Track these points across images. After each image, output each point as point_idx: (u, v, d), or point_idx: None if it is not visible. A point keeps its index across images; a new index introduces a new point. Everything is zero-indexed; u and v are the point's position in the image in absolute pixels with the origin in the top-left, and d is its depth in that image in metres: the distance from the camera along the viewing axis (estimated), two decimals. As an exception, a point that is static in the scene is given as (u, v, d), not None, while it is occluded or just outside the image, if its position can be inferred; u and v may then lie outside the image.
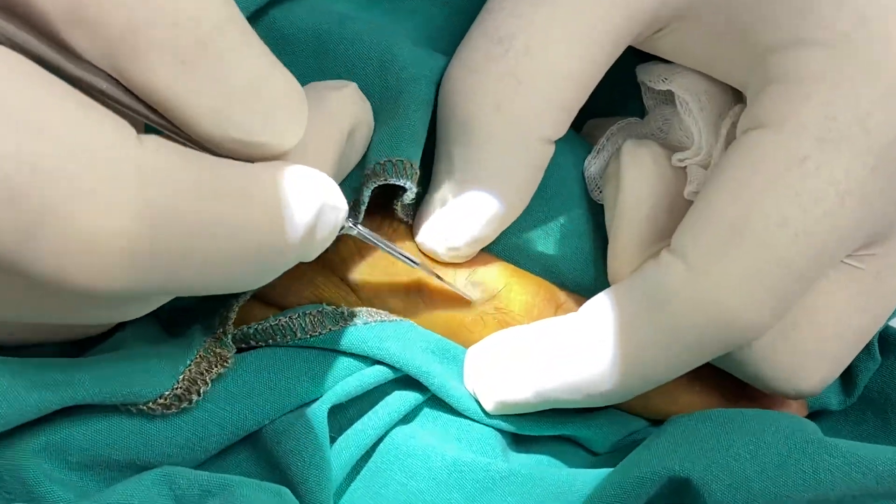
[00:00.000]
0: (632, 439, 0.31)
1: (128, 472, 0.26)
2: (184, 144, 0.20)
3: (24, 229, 0.17)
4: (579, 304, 0.31)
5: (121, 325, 0.28)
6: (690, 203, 0.29)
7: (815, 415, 0.32)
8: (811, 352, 0.28)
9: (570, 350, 0.27)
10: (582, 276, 0.31)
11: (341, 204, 0.23)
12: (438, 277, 0.29)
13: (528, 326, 0.30)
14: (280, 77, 0.21)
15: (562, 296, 0.31)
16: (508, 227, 0.30)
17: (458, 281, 0.31)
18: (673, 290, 0.26)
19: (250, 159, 0.21)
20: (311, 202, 0.21)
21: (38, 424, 0.26)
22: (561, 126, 0.28)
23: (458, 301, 0.30)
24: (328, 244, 0.23)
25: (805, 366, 0.28)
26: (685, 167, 0.30)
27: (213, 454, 0.27)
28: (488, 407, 0.29)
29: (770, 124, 0.25)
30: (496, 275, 0.31)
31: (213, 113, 0.19)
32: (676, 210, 0.29)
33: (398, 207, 0.29)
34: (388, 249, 0.28)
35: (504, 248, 0.31)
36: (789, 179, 0.24)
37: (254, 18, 0.29)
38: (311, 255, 0.23)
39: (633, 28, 0.27)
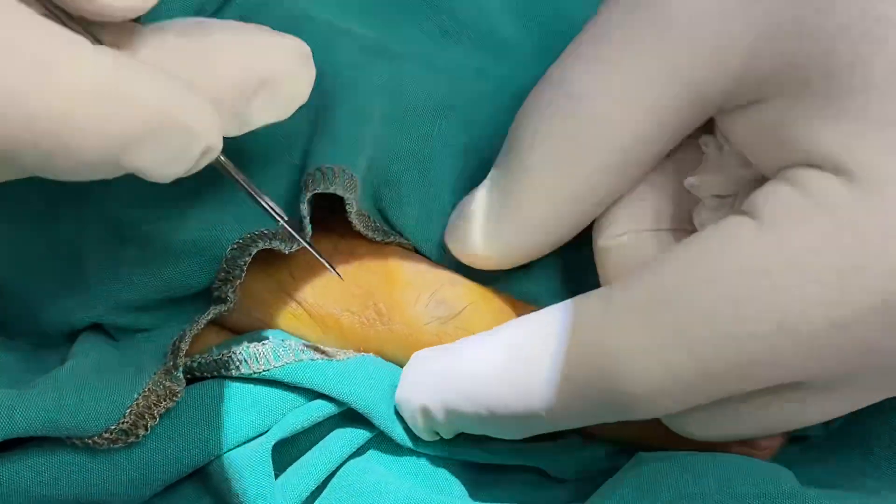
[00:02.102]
0: (597, 467, 0.29)
1: None
2: None
3: None
4: None
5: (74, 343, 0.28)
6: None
7: (796, 441, 0.30)
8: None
9: (477, 364, 0.26)
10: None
11: (201, 127, 0.20)
12: (309, 246, 0.27)
13: (454, 347, 0.28)
14: None
15: (521, 309, 0.30)
16: None
17: (421, 297, 0.29)
18: (582, 326, 0.24)
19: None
20: (140, 112, 0.19)
21: None
22: (621, 189, 0.27)
23: (417, 320, 0.29)
24: (179, 173, 0.21)
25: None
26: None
27: (159, 490, 0.27)
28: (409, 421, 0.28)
29: (759, 218, 0.23)
30: (461, 294, 0.29)
31: None
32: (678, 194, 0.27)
33: (354, 220, 0.28)
34: (252, 192, 0.26)
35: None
36: (740, 283, 0.22)
37: None
38: (151, 176, 0.21)
39: (702, 107, 0.25)
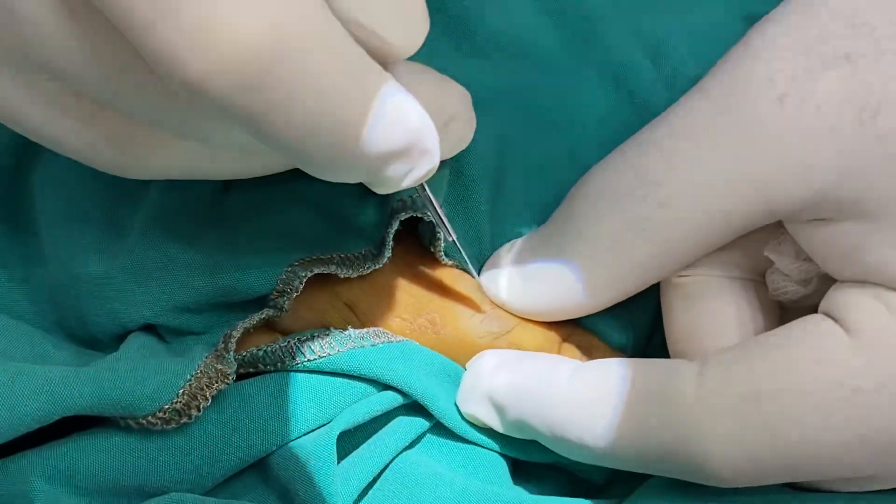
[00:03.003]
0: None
1: (136, 499, 0.25)
2: None
3: (168, 1, 0.17)
4: (584, 341, 0.30)
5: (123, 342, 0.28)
6: None
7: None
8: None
9: (557, 386, 0.27)
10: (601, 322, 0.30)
11: (435, 151, 0.22)
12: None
13: (536, 357, 0.28)
14: None
15: (569, 329, 0.30)
16: None
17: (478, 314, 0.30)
18: (673, 400, 0.25)
19: None
20: (407, 131, 0.21)
21: (46, 448, 0.25)
22: (668, 273, 0.27)
23: (471, 332, 0.30)
24: (400, 186, 0.22)
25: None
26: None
27: (221, 480, 0.26)
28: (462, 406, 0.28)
29: (851, 332, 0.24)
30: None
31: None
32: None
33: (439, 251, 0.29)
34: (443, 225, 0.27)
35: None
36: (832, 397, 0.23)
37: None
38: (378, 185, 0.22)
39: (772, 215, 0.25)
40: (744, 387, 0.24)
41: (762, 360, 0.24)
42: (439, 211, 0.27)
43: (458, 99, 0.26)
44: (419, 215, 0.28)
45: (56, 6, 0.19)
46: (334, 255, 0.29)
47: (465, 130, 0.26)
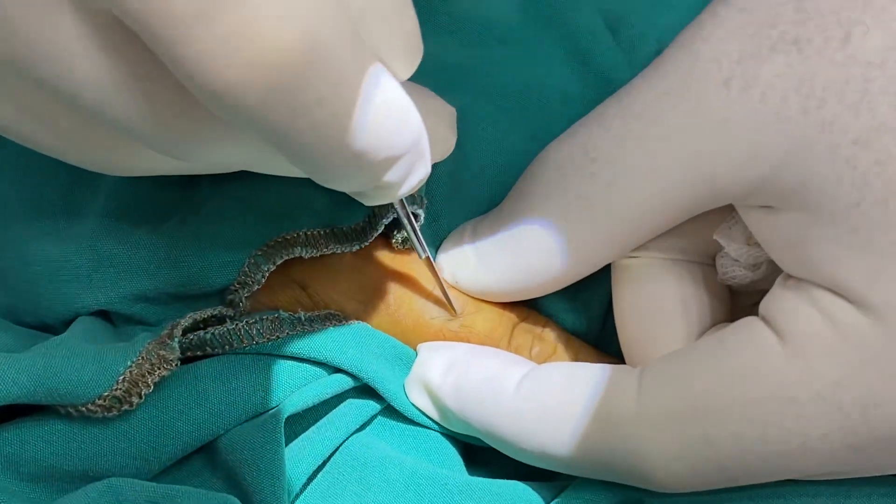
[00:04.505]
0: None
1: (81, 483, 0.25)
2: None
3: (204, 8, 0.16)
4: (539, 323, 0.30)
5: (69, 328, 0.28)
6: None
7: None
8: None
9: (503, 397, 0.26)
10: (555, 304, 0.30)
11: (427, 163, 0.22)
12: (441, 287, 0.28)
13: (486, 358, 0.28)
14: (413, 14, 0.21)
15: (523, 312, 0.30)
16: None
17: (431, 293, 0.29)
18: (613, 414, 0.25)
19: None
20: (411, 133, 0.20)
21: None
22: (618, 253, 0.27)
23: (424, 314, 0.29)
24: (394, 195, 0.22)
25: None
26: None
27: (168, 464, 0.26)
28: (411, 394, 0.28)
29: (786, 342, 0.23)
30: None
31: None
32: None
33: (396, 241, 0.29)
34: (416, 239, 0.27)
35: None
36: (768, 410, 0.23)
37: None
38: (373, 193, 0.22)
39: (718, 200, 0.25)
40: (682, 403, 0.24)
41: (699, 375, 0.24)
42: (417, 229, 0.27)
43: (445, 118, 0.26)
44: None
45: (70, 23, 0.17)
46: (300, 234, 0.28)
47: (446, 145, 0.26)
